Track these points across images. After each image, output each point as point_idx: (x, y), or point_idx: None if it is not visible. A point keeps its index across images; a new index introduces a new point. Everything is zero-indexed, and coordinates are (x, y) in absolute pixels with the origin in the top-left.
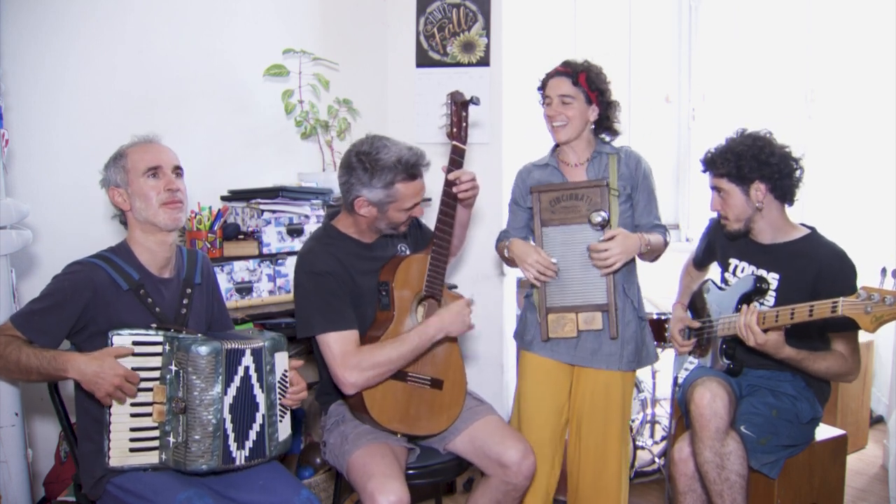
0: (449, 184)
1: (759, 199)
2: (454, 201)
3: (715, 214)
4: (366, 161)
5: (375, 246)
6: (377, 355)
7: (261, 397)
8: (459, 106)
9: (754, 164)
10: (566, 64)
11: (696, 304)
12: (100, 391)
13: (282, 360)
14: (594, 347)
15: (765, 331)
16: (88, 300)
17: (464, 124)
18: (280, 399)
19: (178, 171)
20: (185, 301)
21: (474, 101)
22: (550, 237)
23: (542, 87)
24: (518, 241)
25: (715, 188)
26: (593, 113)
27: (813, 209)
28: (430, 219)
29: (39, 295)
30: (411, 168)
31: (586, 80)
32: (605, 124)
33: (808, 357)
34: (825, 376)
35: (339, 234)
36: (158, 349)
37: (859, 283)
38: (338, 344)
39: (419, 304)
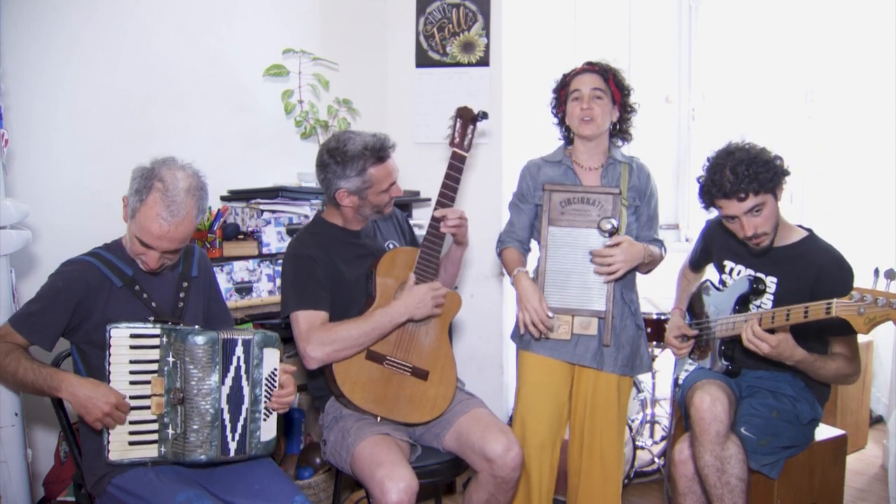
0: (436, 219)
1: (780, 198)
2: (441, 235)
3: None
4: (336, 155)
5: (362, 234)
6: (338, 331)
7: (246, 390)
8: (467, 121)
9: (775, 164)
10: (593, 63)
11: (694, 306)
12: (89, 416)
13: (271, 358)
14: (595, 347)
15: (769, 331)
16: (81, 297)
17: (469, 136)
18: (265, 399)
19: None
20: (181, 295)
21: (482, 116)
22: (556, 237)
23: (564, 85)
24: (525, 279)
25: (749, 210)
26: (614, 115)
27: (812, 209)
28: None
29: (35, 295)
30: (378, 152)
31: (615, 80)
32: (621, 127)
33: (819, 359)
34: (834, 379)
35: (327, 224)
36: (156, 342)
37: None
38: (305, 321)
39: None
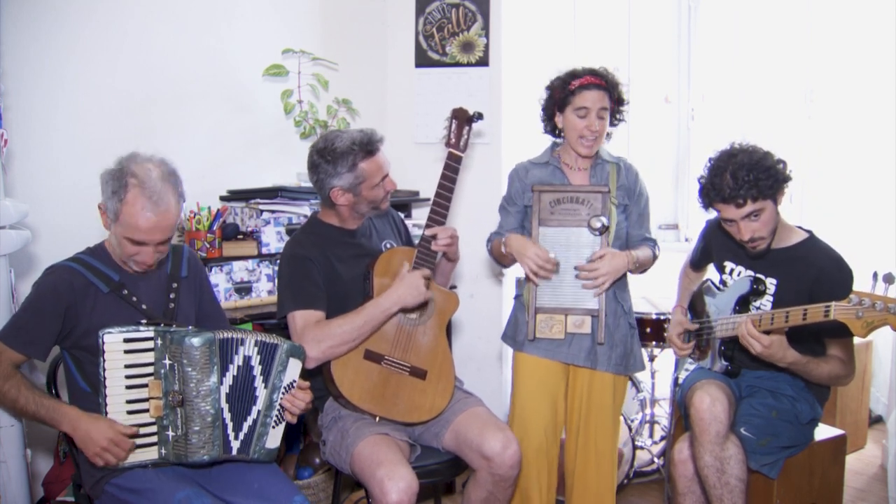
0: (426, 238)
1: (781, 202)
2: (433, 252)
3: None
4: (326, 154)
5: (358, 233)
6: (331, 327)
7: (261, 391)
8: (463, 122)
9: (778, 168)
10: (601, 76)
11: (695, 305)
12: (88, 450)
13: (294, 369)
14: (588, 347)
15: (765, 332)
16: (69, 304)
17: (465, 136)
18: (280, 399)
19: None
20: (171, 295)
21: (477, 117)
22: (547, 237)
23: (569, 94)
24: (515, 235)
25: (748, 216)
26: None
27: (812, 209)
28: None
29: (21, 306)
30: (367, 146)
31: (618, 98)
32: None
33: (811, 361)
34: (826, 381)
35: (322, 224)
36: (150, 345)
37: (856, 288)
38: (301, 321)
39: None
